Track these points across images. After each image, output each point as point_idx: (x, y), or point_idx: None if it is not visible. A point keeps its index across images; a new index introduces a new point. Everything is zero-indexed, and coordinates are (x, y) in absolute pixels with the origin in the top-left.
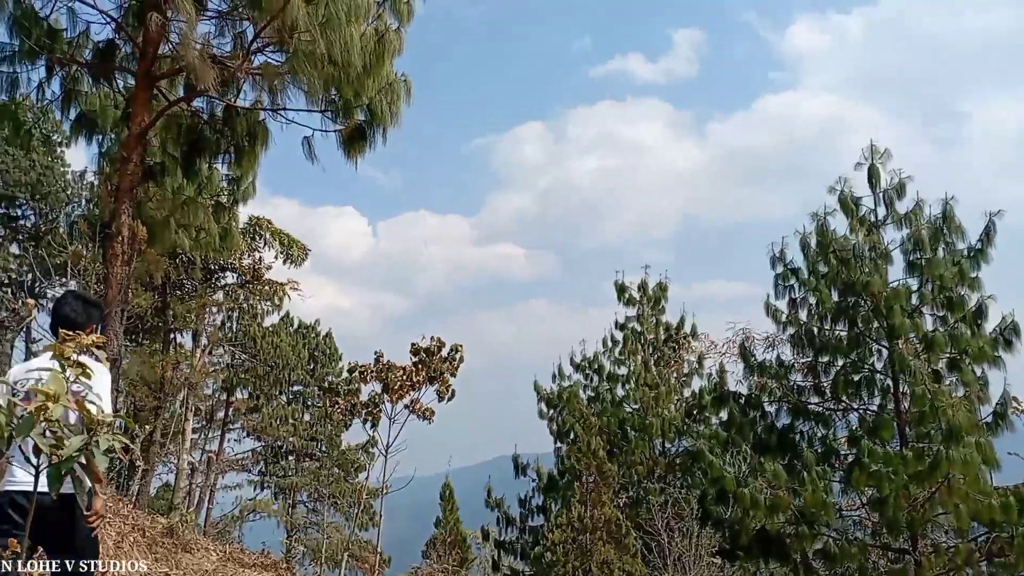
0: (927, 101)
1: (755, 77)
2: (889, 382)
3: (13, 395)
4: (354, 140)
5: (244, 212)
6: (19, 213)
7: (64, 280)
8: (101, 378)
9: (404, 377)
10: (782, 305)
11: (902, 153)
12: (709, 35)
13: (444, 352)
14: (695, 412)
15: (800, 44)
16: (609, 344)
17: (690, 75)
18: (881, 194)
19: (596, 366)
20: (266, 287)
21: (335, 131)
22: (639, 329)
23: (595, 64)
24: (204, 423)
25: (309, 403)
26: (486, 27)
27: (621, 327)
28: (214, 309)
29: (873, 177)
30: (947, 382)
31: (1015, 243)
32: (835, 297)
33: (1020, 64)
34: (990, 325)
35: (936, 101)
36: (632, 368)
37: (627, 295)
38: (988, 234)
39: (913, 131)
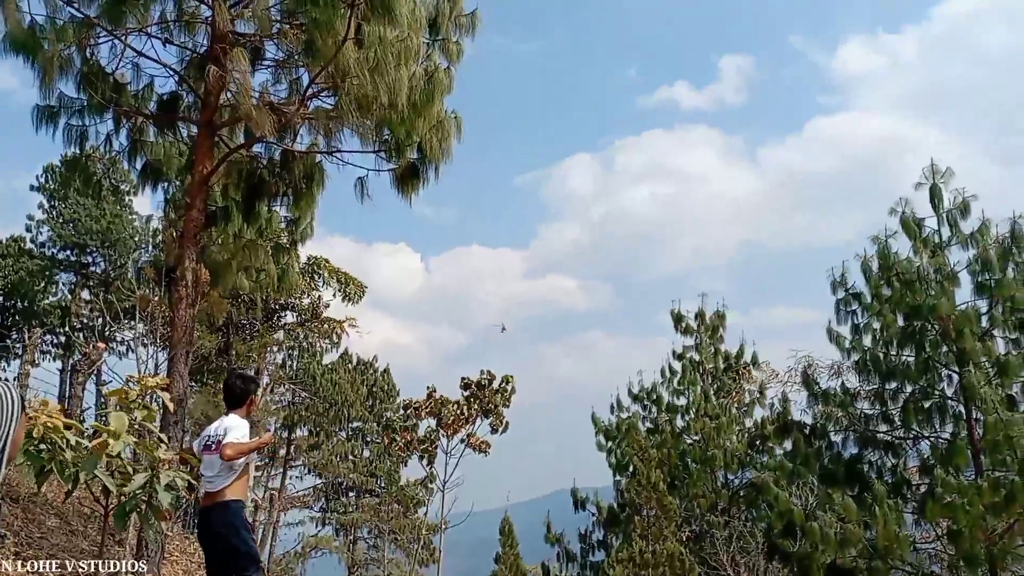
0: (990, 117)
1: (805, 100)
2: (961, 408)
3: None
4: (407, 178)
5: (303, 252)
6: (90, 260)
7: (132, 323)
8: (240, 427)
9: (457, 411)
10: (845, 331)
11: (966, 171)
12: (755, 60)
13: (495, 384)
14: (758, 443)
15: (851, 65)
16: (667, 374)
17: (738, 101)
18: (944, 214)
19: (655, 397)
20: (325, 325)
21: (388, 170)
22: (698, 359)
23: (642, 94)
24: (266, 461)
25: (368, 439)
26: (534, 63)
27: (679, 357)
28: (275, 348)
29: (935, 197)
30: (1023, 408)
31: None
32: (900, 322)
33: None
34: None
35: (1000, 116)
36: (692, 399)
37: (684, 324)
38: None
39: (977, 148)
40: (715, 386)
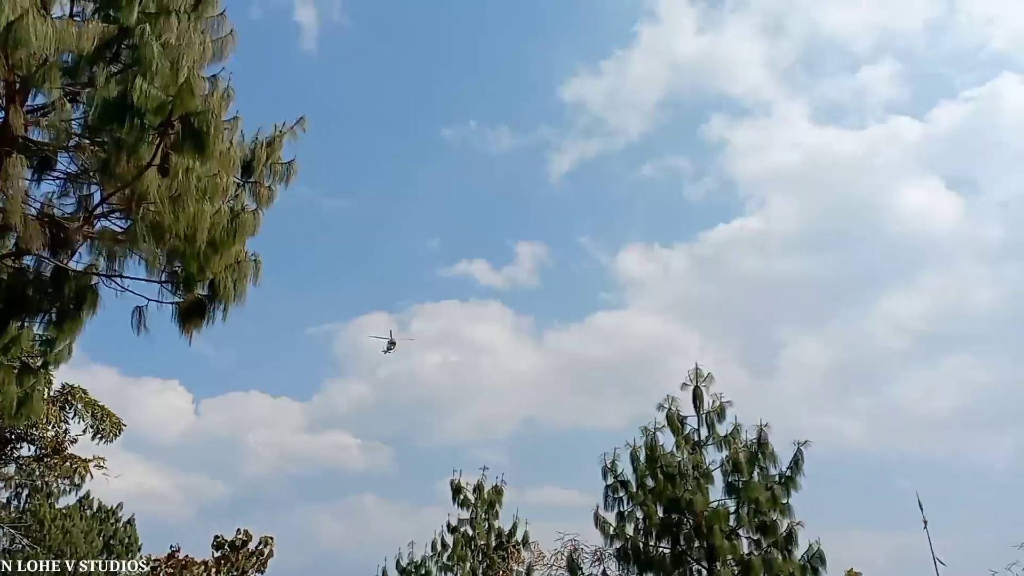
0: (740, 330)
1: (590, 294)
2: None
3: None
4: (192, 314)
5: (57, 377)
6: None
7: None
8: None
9: (204, 573)
10: (611, 517)
11: (721, 375)
12: (549, 250)
13: (251, 545)
14: None
15: (630, 269)
16: (439, 548)
17: (531, 284)
18: (704, 415)
19: (423, 571)
20: (67, 463)
21: (172, 303)
22: (471, 533)
23: (442, 264)
24: None
25: None
26: (341, 219)
27: (453, 530)
28: (0, 484)
29: (697, 399)
30: None
31: (821, 470)
32: (661, 513)
33: (820, 307)
34: (799, 551)
35: (748, 331)
36: (461, 575)
37: (462, 496)
38: (797, 462)
39: (730, 356)
40: (485, 563)
